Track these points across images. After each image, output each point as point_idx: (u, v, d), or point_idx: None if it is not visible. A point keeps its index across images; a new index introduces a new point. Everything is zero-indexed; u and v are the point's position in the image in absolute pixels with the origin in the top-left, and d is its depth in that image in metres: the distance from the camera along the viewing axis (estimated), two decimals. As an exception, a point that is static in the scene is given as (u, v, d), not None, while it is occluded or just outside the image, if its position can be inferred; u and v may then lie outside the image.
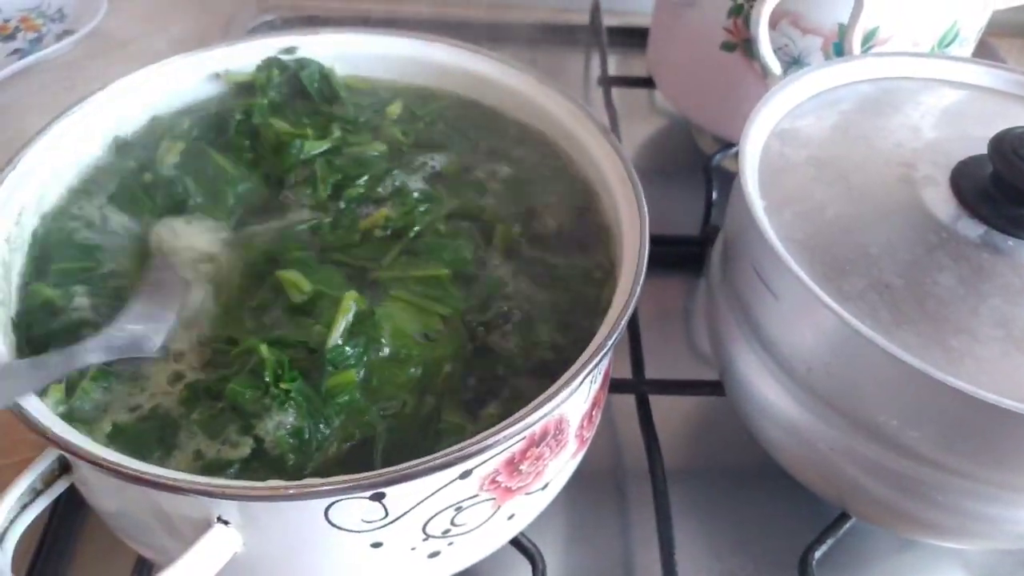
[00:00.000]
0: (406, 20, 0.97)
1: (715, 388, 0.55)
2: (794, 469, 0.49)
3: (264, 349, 0.40)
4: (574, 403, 0.41)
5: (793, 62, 0.66)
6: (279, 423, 0.38)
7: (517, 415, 0.36)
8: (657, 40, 0.79)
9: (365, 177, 0.52)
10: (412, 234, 0.48)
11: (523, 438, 0.38)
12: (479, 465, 0.37)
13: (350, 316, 0.42)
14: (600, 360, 0.39)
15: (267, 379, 0.39)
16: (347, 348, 0.41)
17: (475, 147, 0.55)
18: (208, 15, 0.99)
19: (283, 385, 0.39)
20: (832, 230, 0.45)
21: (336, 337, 0.41)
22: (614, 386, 0.57)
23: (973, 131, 0.50)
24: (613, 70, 0.88)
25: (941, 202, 0.45)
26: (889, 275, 0.42)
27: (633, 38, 0.92)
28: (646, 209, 0.46)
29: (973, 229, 0.44)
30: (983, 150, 0.45)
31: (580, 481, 0.48)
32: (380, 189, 0.51)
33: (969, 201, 0.45)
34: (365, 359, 0.41)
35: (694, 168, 0.77)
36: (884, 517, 0.47)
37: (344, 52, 0.58)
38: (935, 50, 0.66)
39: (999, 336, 0.40)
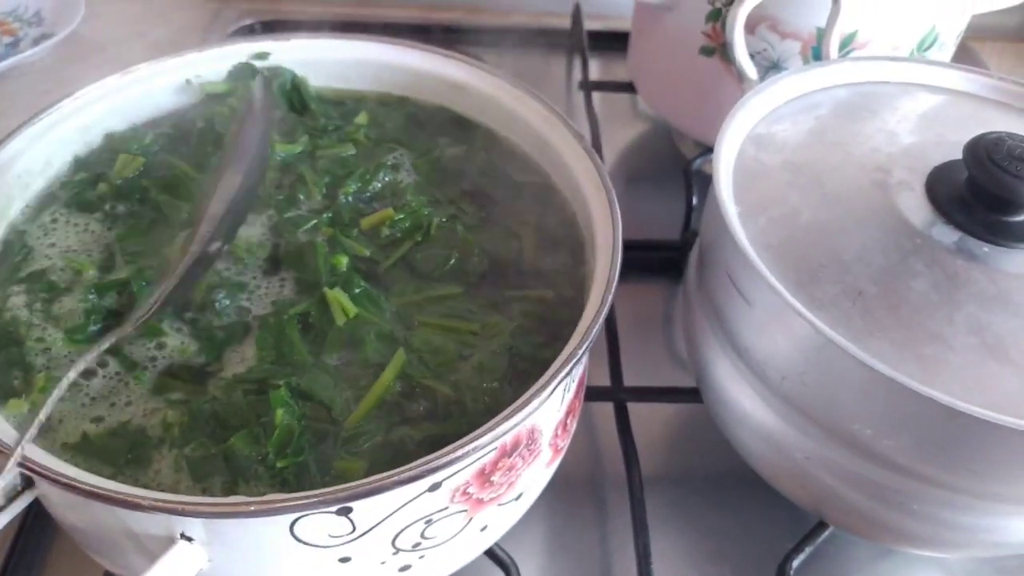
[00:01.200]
0: (385, 25, 0.96)
1: (693, 395, 0.54)
2: (771, 477, 0.49)
3: (279, 414, 0.38)
4: (546, 412, 0.41)
5: (772, 67, 0.66)
6: (263, 493, 0.37)
7: (486, 425, 0.36)
8: (637, 45, 0.79)
9: (356, 174, 0.51)
10: (420, 236, 0.48)
11: (494, 449, 0.38)
12: (449, 477, 0.36)
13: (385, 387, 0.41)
14: (572, 368, 0.38)
15: (268, 449, 0.37)
16: (369, 425, 0.40)
17: (442, 154, 0.54)
18: (187, 20, 0.98)
19: (280, 462, 0.37)
20: (806, 236, 0.45)
21: (361, 417, 0.40)
22: (592, 394, 0.56)
23: (950, 136, 0.50)
24: (595, 75, 0.88)
25: (916, 208, 0.45)
26: (863, 281, 0.42)
27: (615, 42, 0.92)
28: (619, 215, 0.45)
29: (948, 235, 0.44)
30: (959, 155, 0.45)
31: (557, 489, 0.48)
32: (374, 186, 0.51)
33: (944, 207, 0.44)
34: (382, 441, 0.40)
35: (676, 173, 0.77)
36: (861, 526, 0.47)
37: (315, 58, 0.57)
38: (914, 54, 0.66)
39: (974, 344, 0.40)
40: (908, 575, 0.53)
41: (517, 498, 0.43)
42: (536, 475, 0.44)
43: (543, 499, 0.47)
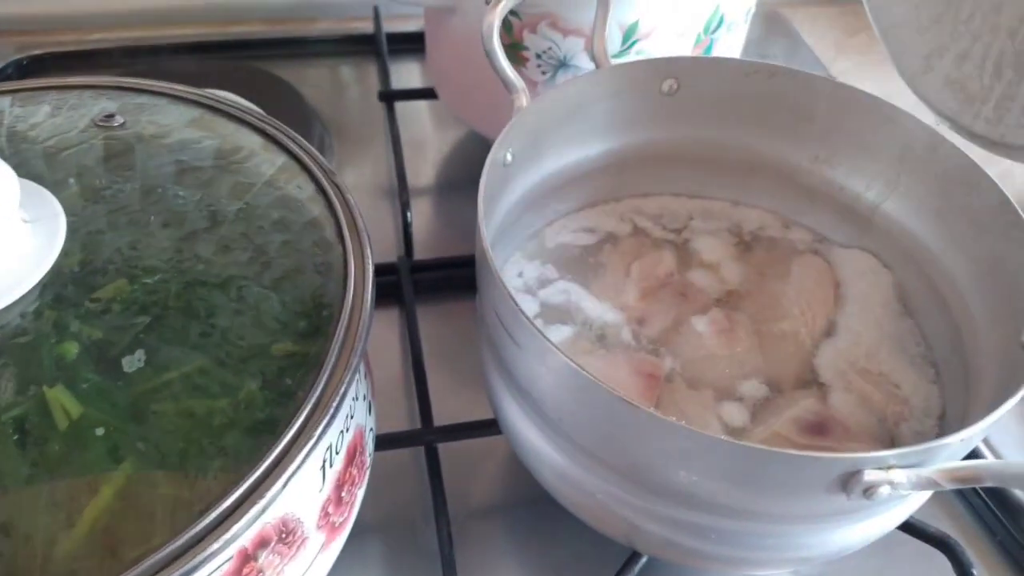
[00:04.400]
0: (180, 46, 0.89)
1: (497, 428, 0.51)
2: (576, 512, 0.46)
3: None
4: (295, 498, 0.36)
5: (560, 65, 0.63)
6: None
7: (203, 541, 0.31)
8: (432, 49, 0.75)
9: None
10: (159, 307, 0.42)
11: (228, 559, 0.33)
12: (172, 602, 0.32)
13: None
14: (309, 451, 0.34)
15: None
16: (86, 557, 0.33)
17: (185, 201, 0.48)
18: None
19: None
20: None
21: (73, 549, 0.33)
22: (393, 441, 0.52)
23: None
24: (401, 82, 0.83)
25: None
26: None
27: (420, 44, 0.87)
28: (367, 235, 0.41)
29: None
30: None
31: (373, 544, 0.45)
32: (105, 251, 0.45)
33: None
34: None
35: (489, 179, 0.73)
36: (671, 554, 0.44)
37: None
38: (701, 38, 0.64)
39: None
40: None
41: (290, 591, 0.39)
42: (309, 562, 0.39)
43: (353, 563, 0.43)
